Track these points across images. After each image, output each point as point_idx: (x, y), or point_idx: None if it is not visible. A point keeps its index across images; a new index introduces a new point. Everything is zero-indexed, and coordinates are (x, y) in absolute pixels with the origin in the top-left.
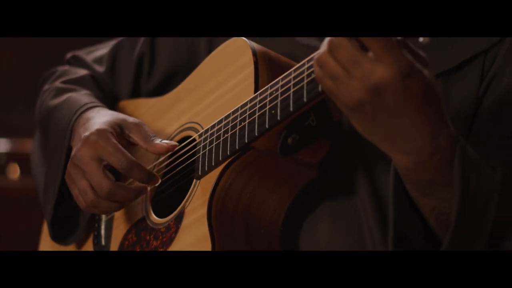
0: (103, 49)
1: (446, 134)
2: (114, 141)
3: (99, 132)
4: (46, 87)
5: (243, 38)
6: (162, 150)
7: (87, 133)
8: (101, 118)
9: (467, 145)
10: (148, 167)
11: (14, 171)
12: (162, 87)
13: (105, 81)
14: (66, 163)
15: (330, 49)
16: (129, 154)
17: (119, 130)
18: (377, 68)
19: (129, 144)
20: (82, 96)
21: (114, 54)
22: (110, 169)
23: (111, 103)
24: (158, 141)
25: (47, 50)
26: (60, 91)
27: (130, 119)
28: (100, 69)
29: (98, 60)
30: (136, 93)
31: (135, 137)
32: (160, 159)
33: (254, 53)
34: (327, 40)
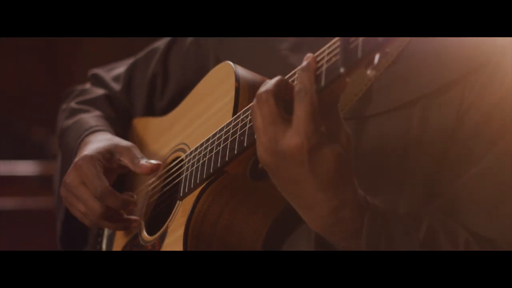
0: (121, 67)
1: (352, 206)
2: (98, 168)
3: (85, 158)
4: (63, 106)
5: (230, 62)
6: (146, 171)
7: (77, 159)
8: (95, 143)
9: (379, 210)
10: (145, 186)
11: None
12: (174, 105)
13: (121, 100)
14: None
15: (257, 103)
16: (105, 182)
17: (108, 156)
18: (287, 134)
19: (121, 168)
20: (91, 118)
21: (129, 74)
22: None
23: (125, 122)
24: (143, 161)
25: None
26: (73, 112)
27: (123, 143)
28: (117, 87)
29: (116, 78)
30: (150, 111)
31: (125, 160)
32: (153, 179)
33: (238, 78)
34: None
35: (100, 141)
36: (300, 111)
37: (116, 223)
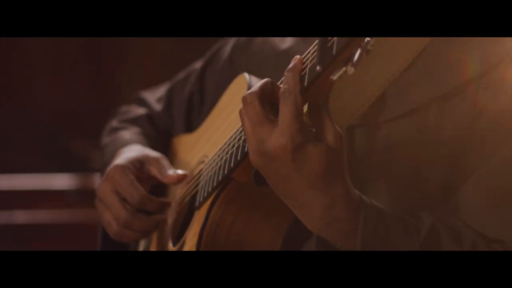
0: (163, 89)
1: (344, 205)
2: (130, 176)
3: (117, 167)
4: (107, 125)
5: (245, 74)
6: (173, 180)
7: (108, 169)
8: (126, 153)
9: (376, 210)
10: (181, 196)
11: None
12: None
13: (162, 119)
14: None
15: (243, 105)
16: (141, 189)
17: (139, 165)
18: (273, 135)
19: (150, 179)
20: (128, 134)
21: (170, 94)
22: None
23: (166, 141)
24: (170, 172)
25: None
26: (113, 130)
27: (152, 153)
28: (158, 107)
29: (159, 99)
30: (189, 129)
31: (153, 170)
32: (179, 190)
33: (250, 89)
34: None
35: (132, 151)
36: (285, 111)
37: (136, 234)
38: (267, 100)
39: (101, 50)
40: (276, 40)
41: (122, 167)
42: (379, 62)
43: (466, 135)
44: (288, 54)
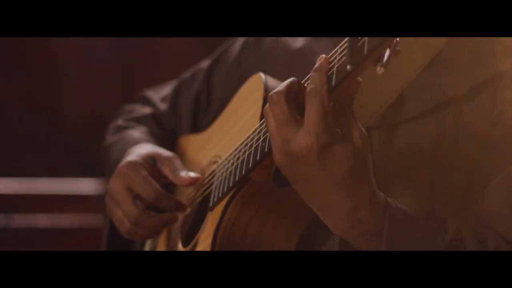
0: (169, 88)
1: (370, 207)
2: (144, 172)
3: (130, 164)
4: (111, 125)
5: (261, 74)
6: (186, 183)
7: (119, 165)
8: (138, 150)
9: (401, 213)
10: (190, 197)
11: None
12: None
13: (168, 118)
14: None
15: (269, 104)
16: (156, 185)
17: (151, 163)
18: (298, 134)
19: (161, 178)
20: (136, 133)
21: (176, 93)
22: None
23: (171, 140)
24: (183, 174)
25: None
26: (119, 129)
27: (165, 152)
28: (164, 107)
29: (164, 99)
30: (195, 129)
31: (165, 170)
32: (190, 190)
33: (266, 88)
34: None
35: (143, 149)
36: (311, 111)
37: (148, 231)
38: (293, 99)
39: (132, 55)
40: (288, 39)
41: (135, 163)
42: (397, 63)
43: (485, 137)
44: (302, 53)
